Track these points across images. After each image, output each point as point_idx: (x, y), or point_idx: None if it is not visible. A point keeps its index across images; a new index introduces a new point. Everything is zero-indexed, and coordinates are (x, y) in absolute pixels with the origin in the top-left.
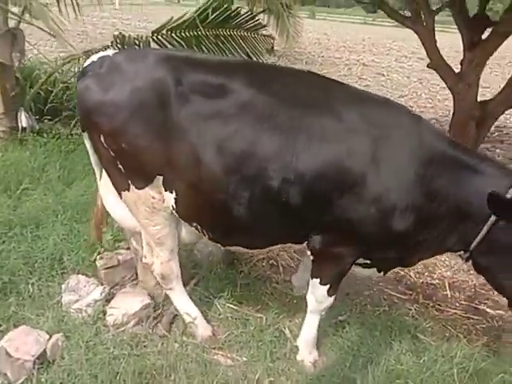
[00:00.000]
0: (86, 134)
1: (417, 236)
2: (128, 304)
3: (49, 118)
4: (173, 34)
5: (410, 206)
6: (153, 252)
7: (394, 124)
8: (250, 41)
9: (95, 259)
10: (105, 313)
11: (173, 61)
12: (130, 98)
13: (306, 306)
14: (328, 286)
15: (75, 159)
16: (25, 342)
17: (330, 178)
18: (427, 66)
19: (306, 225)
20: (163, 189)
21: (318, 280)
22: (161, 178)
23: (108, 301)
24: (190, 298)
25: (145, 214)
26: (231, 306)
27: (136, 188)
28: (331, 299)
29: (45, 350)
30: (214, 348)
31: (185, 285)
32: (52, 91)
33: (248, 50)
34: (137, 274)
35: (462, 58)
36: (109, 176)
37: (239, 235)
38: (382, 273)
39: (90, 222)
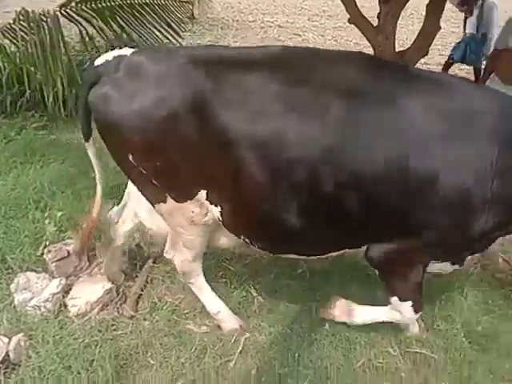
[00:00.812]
0: (90, 144)
1: (497, 229)
2: (89, 292)
3: None
4: (83, 7)
5: (488, 200)
6: (177, 248)
7: (466, 109)
8: (168, 9)
9: (42, 253)
10: (65, 305)
11: (205, 62)
12: (160, 108)
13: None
14: (410, 301)
15: None
16: None
17: (394, 180)
18: (348, 21)
19: (365, 232)
20: (208, 203)
21: (396, 298)
22: (204, 192)
23: (66, 292)
24: (151, 275)
25: (181, 224)
26: None
27: (175, 201)
28: (418, 315)
29: (7, 354)
30: (186, 319)
31: (143, 264)
32: None
33: (168, 19)
34: (89, 262)
35: (367, 11)
36: (139, 189)
37: (291, 245)
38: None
39: (80, 229)
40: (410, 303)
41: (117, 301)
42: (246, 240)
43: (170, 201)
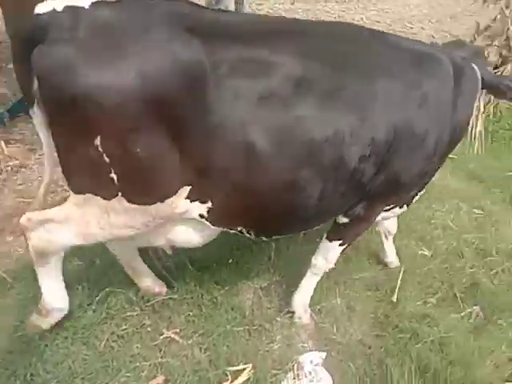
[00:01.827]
0: (36, 111)
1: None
2: None
3: None
4: None
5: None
6: (51, 228)
7: (439, 72)
8: None
9: None
10: None
11: (199, 26)
12: (147, 79)
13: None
14: (346, 245)
15: None
16: None
17: (401, 141)
18: None
19: (368, 194)
20: (188, 201)
21: (339, 242)
22: (188, 188)
23: None
24: None
25: (116, 224)
26: None
27: (131, 203)
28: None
29: None
30: None
31: None
32: None
33: None
34: None
35: None
36: (76, 176)
37: (296, 225)
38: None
39: None
40: (344, 247)
41: None
42: (243, 230)
43: (120, 202)
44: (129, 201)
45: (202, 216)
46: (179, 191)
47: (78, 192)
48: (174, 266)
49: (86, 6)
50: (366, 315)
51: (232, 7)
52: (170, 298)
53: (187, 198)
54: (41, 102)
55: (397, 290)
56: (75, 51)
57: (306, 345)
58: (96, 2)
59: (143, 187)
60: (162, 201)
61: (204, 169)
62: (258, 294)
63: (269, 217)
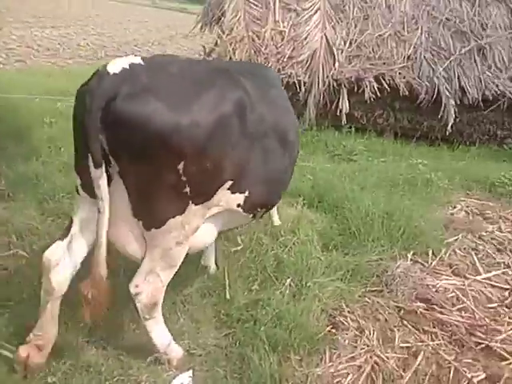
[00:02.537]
0: (103, 170)
1: None
2: None
3: None
4: None
5: None
6: (150, 279)
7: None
8: None
9: None
10: None
11: (224, 68)
12: (215, 114)
13: None
14: None
15: None
16: None
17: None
18: None
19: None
20: (229, 192)
21: None
22: (230, 182)
23: None
24: None
25: (188, 232)
26: None
27: (195, 205)
28: None
29: None
30: None
31: None
32: None
33: None
34: None
35: None
36: (150, 207)
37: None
38: None
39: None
40: None
41: None
42: (258, 211)
43: (189, 208)
44: (196, 204)
45: (239, 205)
46: (224, 185)
47: (159, 225)
48: None
49: (142, 63)
50: (210, 321)
51: None
52: None
53: (228, 189)
54: (122, 151)
55: (227, 288)
56: (156, 98)
57: (171, 372)
58: (144, 58)
59: (205, 189)
60: (215, 193)
61: (245, 165)
62: (102, 346)
63: (274, 194)
